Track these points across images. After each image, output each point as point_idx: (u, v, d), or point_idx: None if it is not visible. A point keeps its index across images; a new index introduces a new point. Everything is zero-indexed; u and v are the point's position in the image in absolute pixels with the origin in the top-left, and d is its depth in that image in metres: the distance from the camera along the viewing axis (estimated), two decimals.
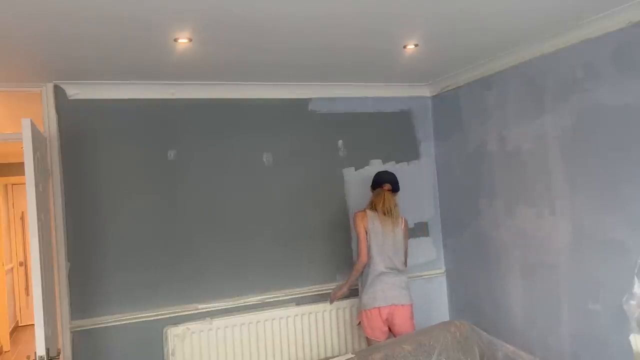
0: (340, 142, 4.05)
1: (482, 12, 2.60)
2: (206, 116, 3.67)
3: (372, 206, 3.45)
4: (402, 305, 3.34)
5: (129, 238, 3.43)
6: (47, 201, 3.17)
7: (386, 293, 3.32)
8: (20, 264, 8.17)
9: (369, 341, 3.40)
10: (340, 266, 3.96)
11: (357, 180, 4.06)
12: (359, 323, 3.48)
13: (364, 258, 3.37)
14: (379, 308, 3.31)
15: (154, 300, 3.47)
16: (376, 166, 4.10)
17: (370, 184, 3.63)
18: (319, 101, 3.98)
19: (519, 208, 3.49)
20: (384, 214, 3.39)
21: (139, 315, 3.43)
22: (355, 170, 4.09)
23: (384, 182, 3.53)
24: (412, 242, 4.19)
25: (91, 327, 3.33)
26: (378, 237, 3.37)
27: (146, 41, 2.67)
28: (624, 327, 2.82)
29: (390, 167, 4.14)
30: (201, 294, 3.57)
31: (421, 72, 3.85)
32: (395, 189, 3.56)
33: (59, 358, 2.74)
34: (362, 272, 3.44)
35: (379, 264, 3.35)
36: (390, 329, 3.38)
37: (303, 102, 3.95)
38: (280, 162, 3.86)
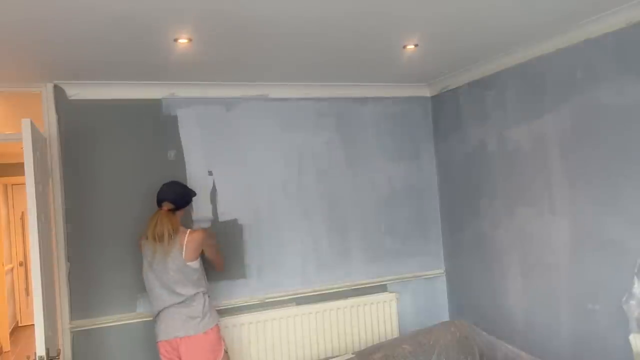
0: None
1: (481, 12, 2.60)
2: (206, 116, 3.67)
3: (145, 232, 3.07)
4: (187, 337, 2.97)
5: (129, 238, 3.42)
6: (47, 201, 3.17)
7: (168, 325, 2.99)
8: (20, 264, 8.17)
9: None
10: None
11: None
12: None
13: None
14: (164, 342, 3.01)
15: None
16: (376, 167, 4.11)
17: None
18: (319, 101, 3.98)
19: (519, 208, 3.49)
20: (155, 240, 2.99)
21: (139, 315, 3.43)
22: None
23: (162, 202, 3.09)
24: (412, 242, 4.20)
25: (91, 327, 3.33)
26: (152, 267, 3.02)
27: (146, 41, 2.67)
28: (624, 327, 2.82)
29: (390, 167, 4.15)
30: None
31: (421, 72, 3.85)
32: (179, 205, 3.12)
33: (59, 358, 2.74)
34: None
35: (157, 299, 3.02)
36: None
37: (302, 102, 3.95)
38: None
